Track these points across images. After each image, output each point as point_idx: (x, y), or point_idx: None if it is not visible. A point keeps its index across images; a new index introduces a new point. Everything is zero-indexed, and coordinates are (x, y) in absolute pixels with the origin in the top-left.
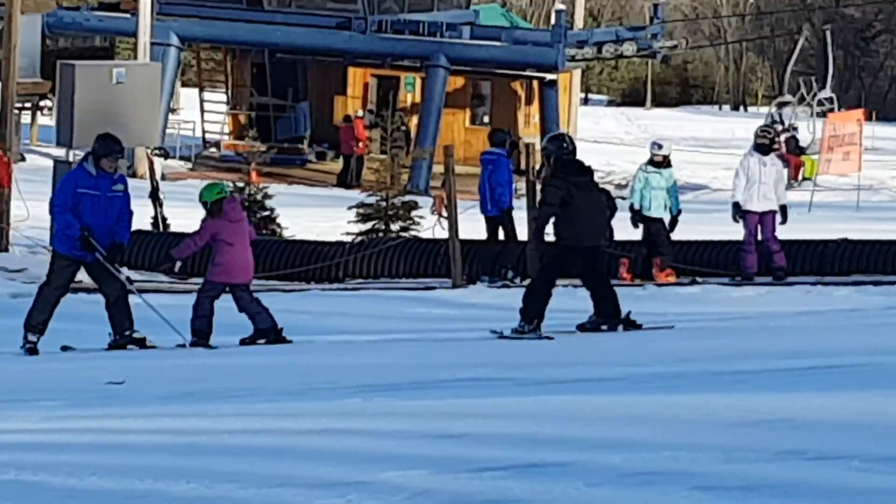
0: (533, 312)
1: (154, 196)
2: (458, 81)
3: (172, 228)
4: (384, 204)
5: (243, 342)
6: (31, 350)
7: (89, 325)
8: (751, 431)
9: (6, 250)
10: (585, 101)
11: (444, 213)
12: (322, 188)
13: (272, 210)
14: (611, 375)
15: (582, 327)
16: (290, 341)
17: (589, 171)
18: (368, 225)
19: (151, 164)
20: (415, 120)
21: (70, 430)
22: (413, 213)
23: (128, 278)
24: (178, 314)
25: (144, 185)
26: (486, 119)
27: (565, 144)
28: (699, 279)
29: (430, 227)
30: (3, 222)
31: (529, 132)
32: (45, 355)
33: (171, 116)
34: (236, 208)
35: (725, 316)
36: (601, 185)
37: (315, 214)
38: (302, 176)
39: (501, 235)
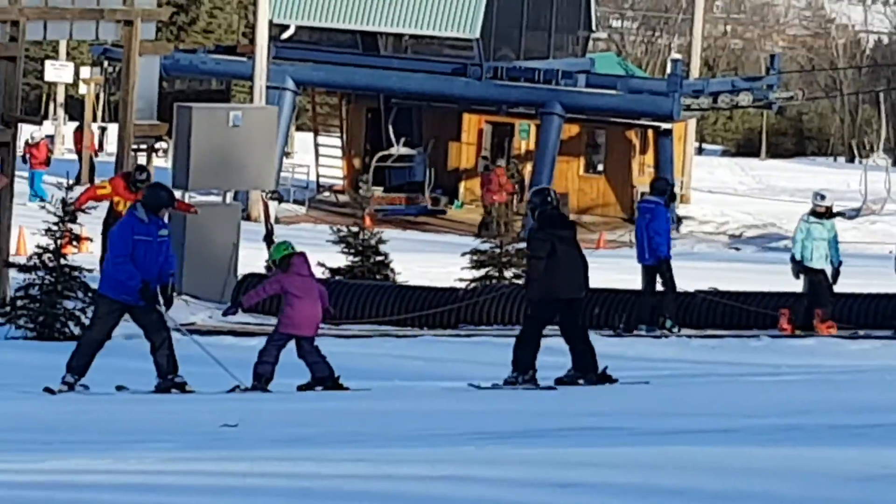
0: (524, 363)
1: (268, 239)
2: (573, 129)
3: None
4: (498, 251)
5: (300, 388)
6: (67, 389)
7: (199, 367)
8: (872, 485)
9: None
10: (700, 151)
11: None
12: (435, 234)
13: (386, 255)
14: (728, 426)
15: (560, 381)
16: (347, 388)
17: (571, 226)
18: (482, 271)
19: (266, 207)
20: (529, 167)
21: (186, 473)
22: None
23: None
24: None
25: (258, 228)
26: (599, 167)
27: (549, 198)
28: (860, 332)
29: None
30: None
31: (644, 181)
32: (161, 398)
33: (285, 160)
34: (304, 264)
35: (841, 369)
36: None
37: (428, 260)
38: (417, 221)
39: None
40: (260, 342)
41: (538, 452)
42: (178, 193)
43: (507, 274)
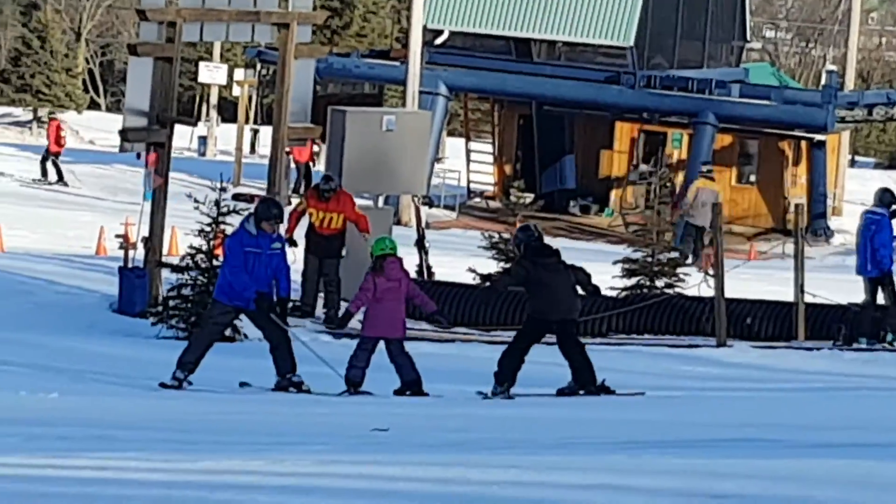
0: (504, 377)
1: (420, 244)
2: (726, 139)
3: (437, 277)
4: (650, 260)
5: (395, 392)
6: (175, 386)
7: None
8: None
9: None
10: (853, 163)
11: (711, 271)
12: (586, 241)
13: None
14: (883, 441)
15: (561, 392)
16: (427, 394)
17: (556, 254)
18: (633, 280)
19: (418, 211)
20: (680, 176)
21: (339, 476)
22: (678, 270)
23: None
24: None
25: (408, 232)
26: (752, 178)
27: (532, 233)
28: None
29: (695, 284)
30: None
31: (797, 193)
32: (310, 399)
33: (436, 165)
34: (395, 268)
35: None
36: (578, 266)
37: None
38: (566, 229)
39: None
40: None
41: (692, 463)
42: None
43: (659, 283)
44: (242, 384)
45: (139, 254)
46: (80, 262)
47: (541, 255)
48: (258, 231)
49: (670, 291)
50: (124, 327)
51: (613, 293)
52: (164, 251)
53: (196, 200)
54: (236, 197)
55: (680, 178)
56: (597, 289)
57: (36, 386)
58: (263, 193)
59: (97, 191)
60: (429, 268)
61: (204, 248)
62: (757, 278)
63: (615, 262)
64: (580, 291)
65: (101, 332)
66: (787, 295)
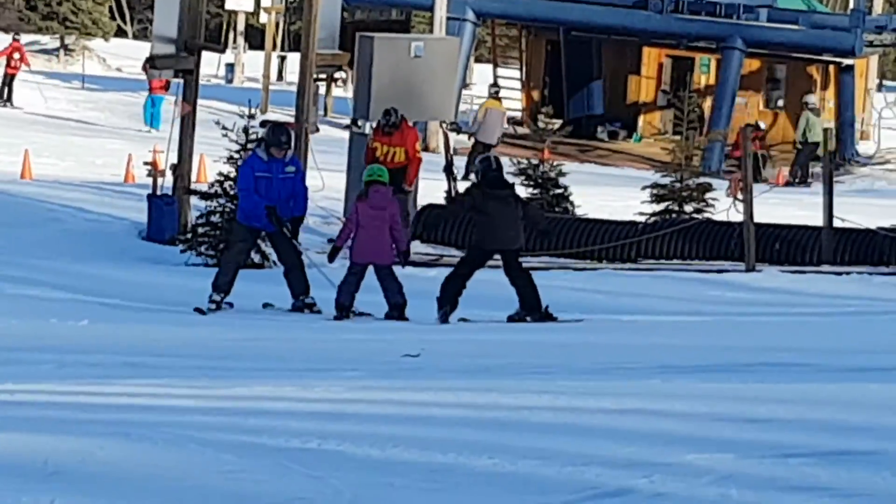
0: (446, 300)
1: (448, 170)
2: (754, 64)
3: None
4: (678, 185)
5: (386, 316)
6: (213, 309)
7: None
8: None
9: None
10: (880, 87)
11: (740, 196)
12: (614, 167)
13: (565, 188)
14: None
15: (511, 318)
16: (407, 319)
17: (509, 187)
18: (662, 206)
19: (447, 138)
20: (708, 102)
21: (371, 402)
22: (707, 196)
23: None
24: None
25: (437, 158)
26: (780, 103)
27: (490, 164)
28: None
29: (724, 209)
30: None
31: (825, 117)
32: (341, 326)
33: (464, 92)
34: (381, 195)
35: None
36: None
37: (607, 193)
38: (594, 155)
39: None
40: (439, 272)
41: (727, 387)
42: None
43: (688, 208)
44: (266, 305)
45: (168, 181)
46: (108, 190)
47: (493, 187)
48: (269, 157)
49: (699, 216)
50: (153, 254)
51: (642, 218)
52: (193, 178)
53: (224, 127)
54: (264, 124)
55: (708, 103)
56: (546, 230)
57: (66, 313)
58: (292, 120)
59: (125, 119)
60: (457, 193)
61: (232, 175)
62: (785, 203)
63: (644, 188)
64: (530, 224)
65: (130, 260)
66: (816, 219)
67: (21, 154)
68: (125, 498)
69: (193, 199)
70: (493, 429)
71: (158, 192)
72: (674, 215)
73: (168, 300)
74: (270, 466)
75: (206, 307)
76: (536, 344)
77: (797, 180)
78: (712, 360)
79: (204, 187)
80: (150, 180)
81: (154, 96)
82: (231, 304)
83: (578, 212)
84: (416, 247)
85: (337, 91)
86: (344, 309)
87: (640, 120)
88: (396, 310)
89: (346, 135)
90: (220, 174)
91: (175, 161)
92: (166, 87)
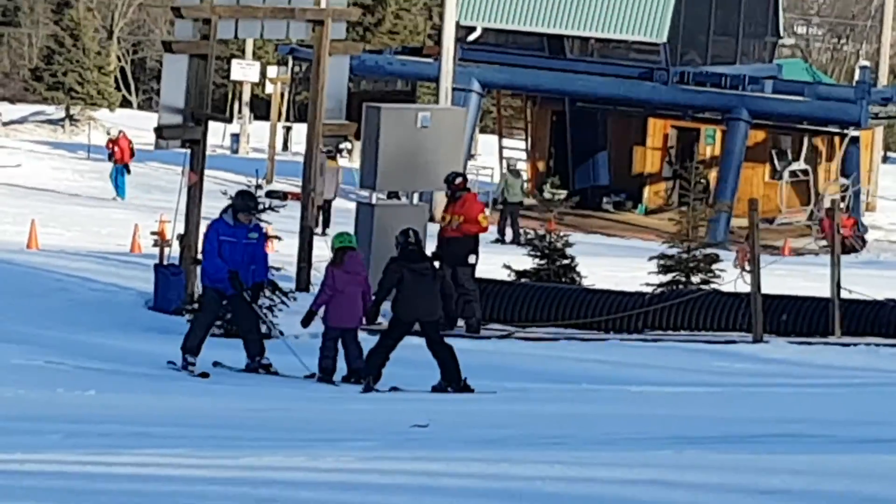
0: (370, 371)
1: None
2: (759, 135)
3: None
4: (685, 256)
5: (344, 379)
6: (184, 367)
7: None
8: None
9: (307, 290)
10: (885, 159)
11: (748, 267)
12: (620, 238)
13: (572, 258)
14: None
15: (434, 388)
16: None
17: (428, 260)
18: (669, 276)
19: None
20: (713, 173)
21: (382, 472)
22: (714, 266)
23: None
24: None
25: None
26: (785, 175)
27: (410, 237)
28: None
29: (731, 280)
30: (303, 261)
31: (830, 189)
32: (348, 396)
33: (469, 163)
34: (355, 261)
35: None
36: (439, 273)
37: (614, 264)
38: (599, 226)
39: None
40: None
41: (739, 458)
42: (365, 193)
43: (695, 279)
44: (216, 364)
45: (174, 251)
46: (115, 260)
47: (413, 260)
48: (235, 222)
49: (706, 287)
50: (160, 324)
51: (649, 289)
52: (199, 248)
53: (231, 197)
54: (270, 194)
55: (713, 174)
56: (450, 317)
57: (73, 383)
58: (297, 190)
59: (130, 188)
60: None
61: None
62: (792, 274)
63: (650, 258)
64: (443, 299)
65: (136, 330)
66: (823, 290)
67: (27, 224)
68: None
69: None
70: (504, 499)
71: (165, 262)
72: (681, 286)
73: (175, 371)
74: None
75: (178, 365)
76: (545, 415)
77: (510, 240)
78: (723, 431)
79: None
80: (155, 250)
81: (118, 166)
82: (193, 364)
83: (585, 282)
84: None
85: (342, 161)
86: (328, 373)
87: (646, 191)
88: (355, 374)
89: (352, 205)
90: None
91: (182, 231)
92: (131, 156)
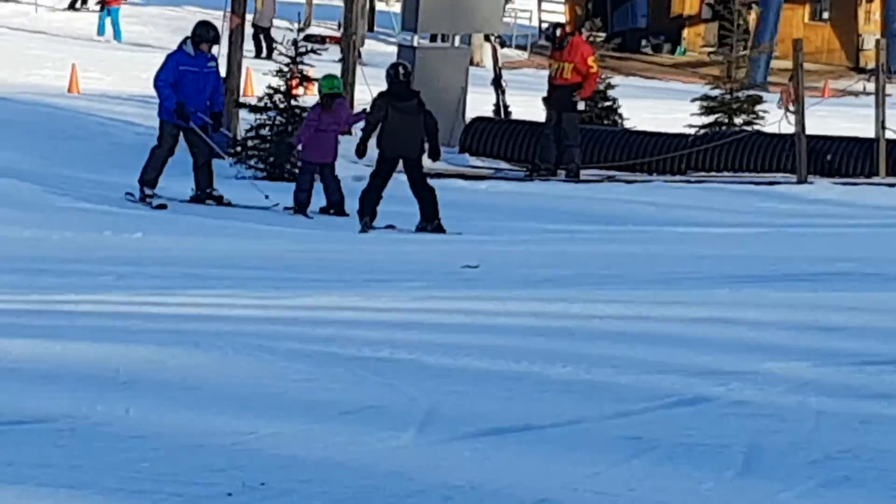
0: (366, 211)
1: (496, 83)
2: None
3: (514, 116)
4: (728, 97)
5: (321, 210)
6: (143, 198)
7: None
8: None
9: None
10: None
11: (791, 108)
12: (660, 81)
13: (614, 101)
14: None
15: (418, 229)
16: (347, 214)
17: (415, 95)
18: (711, 118)
19: (495, 51)
20: (753, 14)
21: (438, 311)
22: (757, 107)
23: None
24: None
25: (481, 72)
26: (825, 15)
27: (400, 73)
28: None
29: (774, 121)
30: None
31: (870, 29)
32: (396, 238)
33: (507, 5)
34: (341, 107)
35: None
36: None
37: (655, 106)
38: (639, 68)
39: None
40: (490, 185)
41: (795, 296)
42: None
43: (738, 120)
44: (128, 194)
45: None
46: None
47: (399, 97)
48: (196, 52)
49: (749, 128)
50: None
51: (692, 131)
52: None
53: (273, 40)
54: (308, 38)
55: (753, 16)
56: (436, 149)
57: (119, 226)
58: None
59: (168, 32)
60: (506, 107)
61: (282, 88)
62: (833, 115)
63: (693, 100)
64: (427, 136)
65: (179, 173)
66: (865, 132)
67: (66, 68)
68: (200, 406)
69: (242, 113)
70: (564, 337)
71: None
72: (724, 127)
73: (219, 213)
74: (344, 375)
75: (136, 197)
76: (595, 255)
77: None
78: (777, 270)
79: (251, 101)
80: None
81: (111, 8)
82: (158, 196)
83: (627, 124)
84: (467, 160)
85: (379, 5)
86: (303, 206)
87: (685, 33)
88: (337, 206)
89: (390, 49)
90: (270, 87)
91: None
92: None
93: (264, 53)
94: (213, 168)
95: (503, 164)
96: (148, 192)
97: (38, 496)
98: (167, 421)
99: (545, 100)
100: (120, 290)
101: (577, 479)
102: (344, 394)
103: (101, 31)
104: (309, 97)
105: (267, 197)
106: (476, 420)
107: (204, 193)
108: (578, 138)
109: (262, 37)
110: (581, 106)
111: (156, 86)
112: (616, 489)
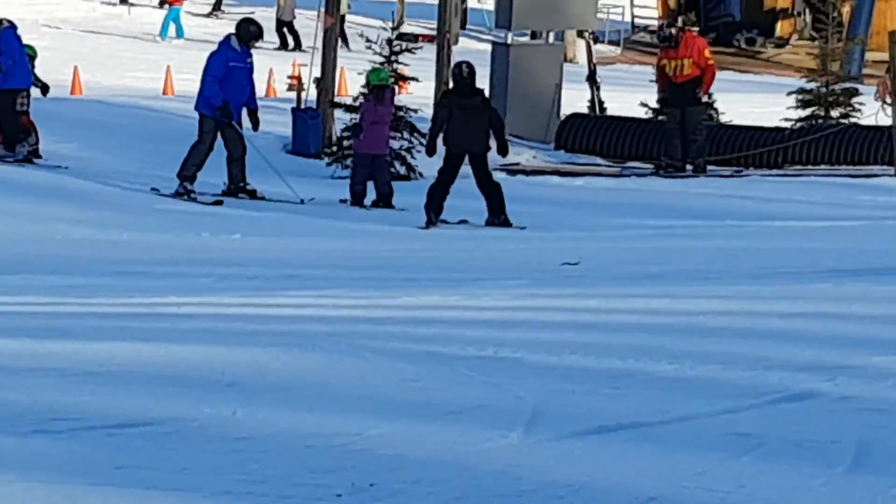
0: (432, 208)
1: (591, 79)
2: None
3: (608, 112)
4: (824, 90)
5: (373, 204)
6: (185, 194)
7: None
8: None
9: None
10: None
11: (889, 100)
12: (754, 74)
13: (710, 95)
14: None
15: (487, 223)
16: (394, 207)
17: (479, 93)
18: (807, 111)
19: (589, 47)
20: (847, 7)
21: (540, 309)
22: (853, 100)
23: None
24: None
25: (574, 68)
26: None
27: (465, 71)
28: None
29: (871, 113)
30: None
31: None
32: (491, 235)
33: (600, 1)
34: (391, 97)
35: None
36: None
37: (750, 100)
38: (732, 62)
39: None
40: (586, 181)
41: None
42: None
43: (834, 113)
44: (153, 189)
45: (310, 95)
46: None
47: (462, 95)
48: (241, 48)
49: (846, 121)
50: (299, 168)
51: (788, 124)
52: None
53: (368, 39)
54: (401, 37)
55: (847, 8)
56: (503, 144)
57: (217, 227)
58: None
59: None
60: (601, 103)
61: None
62: None
63: (789, 93)
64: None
65: (276, 174)
66: None
67: (160, 70)
68: (306, 407)
69: (337, 113)
70: (669, 334)
71: (302, 106)
72: (820, 120)
73: (316, 213)
74: (449, 374)
75: (175, 192)
76: (695, 250)
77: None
78: (881, 264)
79: (347, 101)
80: (290, 94)
81: (173, 7)
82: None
83: (723, 119)
84: (561, 156)
85: (472, 3)
86: (359, 197)
87: (778, 26)
88: (383, 199)
89: (483, 46)
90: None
91: (317, 75)
92: None
93: (290, 46)
94: (245, 164)
95: (599, 161)
96: (188, 187)
97: (147, 498)
98: (274, 422)
99: (662, 101)
100: (221, 291)
101: (686, 476)
102: (450, 393)
103: (163, 33)
104: (403, 95)
105: (343, 201)
106: (583, 418)
107: (237, 187)
108: (704, 132)
109: (285, 30)
110: (704, 99)
111: (204, 80)
112: (726, 486)
